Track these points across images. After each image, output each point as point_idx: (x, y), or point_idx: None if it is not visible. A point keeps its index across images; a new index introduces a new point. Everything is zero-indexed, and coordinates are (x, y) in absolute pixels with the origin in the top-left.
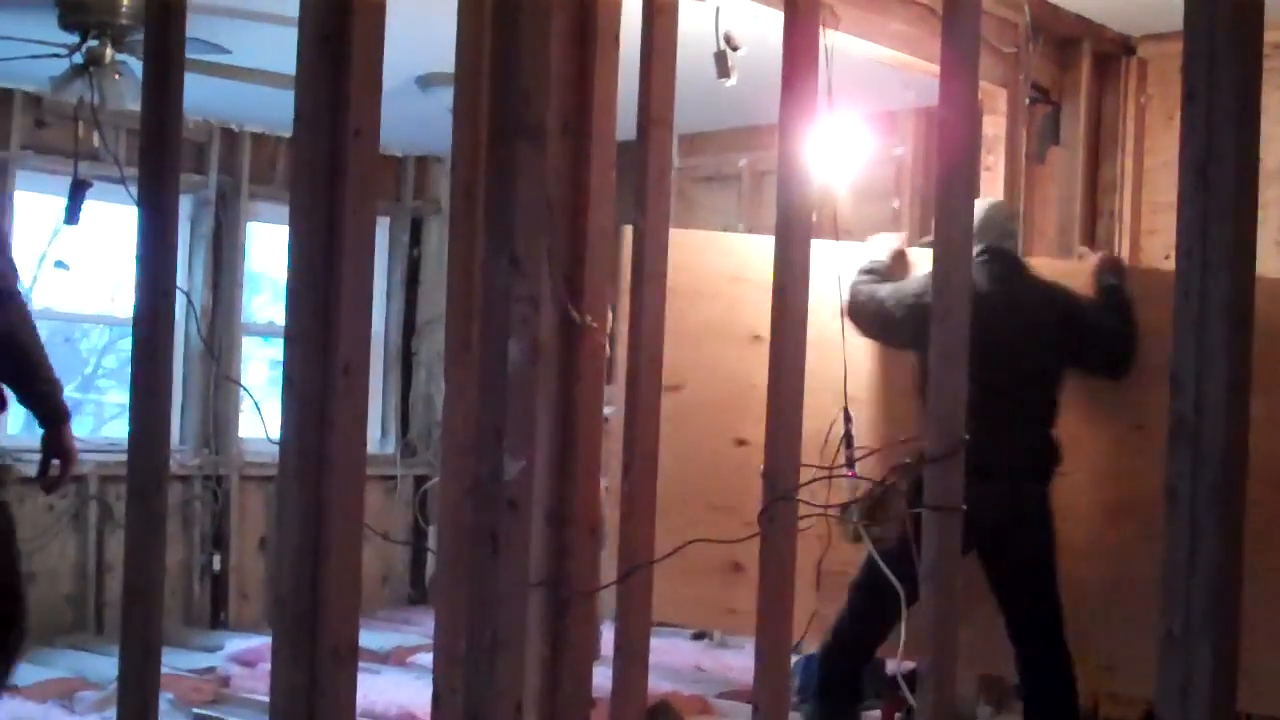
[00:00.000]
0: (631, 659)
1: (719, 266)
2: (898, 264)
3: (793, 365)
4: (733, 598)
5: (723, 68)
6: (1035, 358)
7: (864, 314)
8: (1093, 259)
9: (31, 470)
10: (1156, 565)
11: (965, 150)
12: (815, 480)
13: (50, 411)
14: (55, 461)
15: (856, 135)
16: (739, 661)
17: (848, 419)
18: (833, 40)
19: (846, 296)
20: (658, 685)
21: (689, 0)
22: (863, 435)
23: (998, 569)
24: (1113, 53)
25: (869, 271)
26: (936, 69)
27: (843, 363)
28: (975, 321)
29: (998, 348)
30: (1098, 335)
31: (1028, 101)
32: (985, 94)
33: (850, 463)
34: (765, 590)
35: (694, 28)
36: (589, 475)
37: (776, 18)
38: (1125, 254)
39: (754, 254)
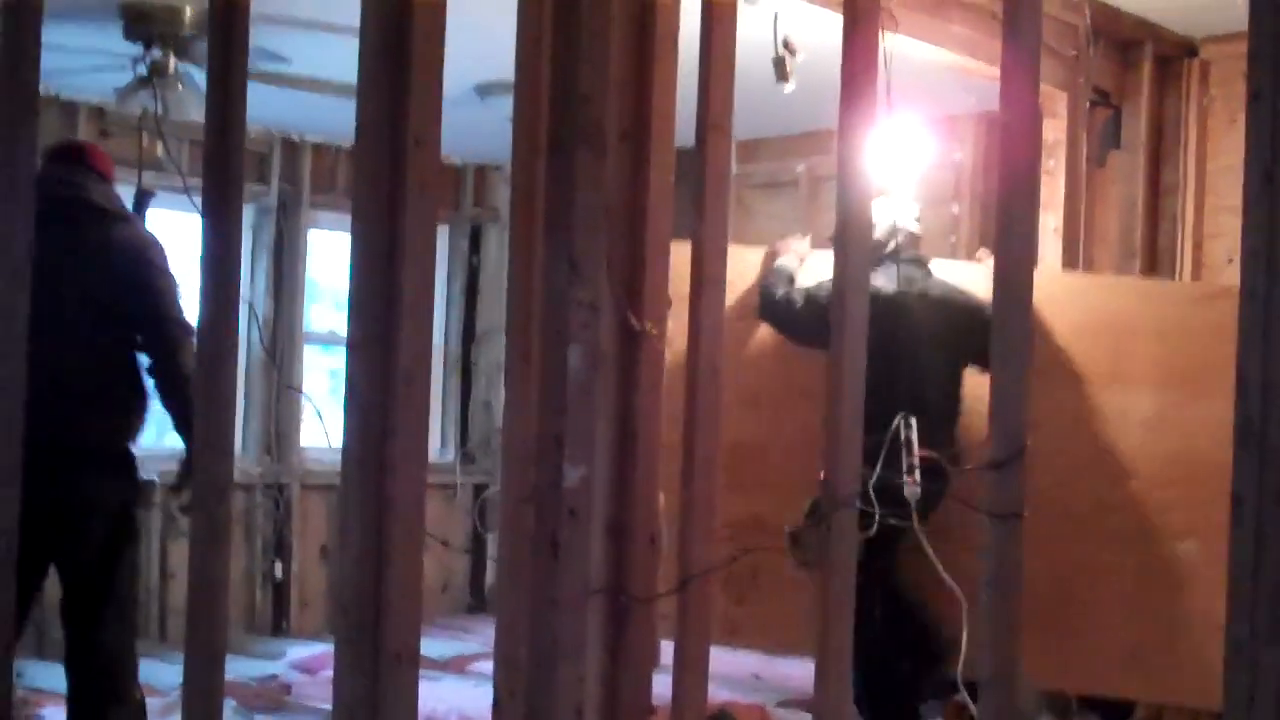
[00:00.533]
0: (690, 667)
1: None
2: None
3: (852, 372)
4: (735, 614)
5: (781, 73)
6: (941, 356)
7: (774, 314)
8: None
9: None
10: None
11: (1027, 154)
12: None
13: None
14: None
15: (916, 140)
16: (797, 670)
17: (907, 425)
18: (892, 44)
19: (758, 298)
20: (716, 693)
21: (747, 5)
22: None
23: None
24: (1174, 55)
25: (779, 273)
26: (997, 72)
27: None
28: (884, 321)
29: (905, 346)
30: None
31: (1088, 105)
32: (1046, 97)
33: (910, 469)
34: (826, 598)
35: (752, 33)
36: (648, 484)
37: (835, 22)
38: (1188, 258)
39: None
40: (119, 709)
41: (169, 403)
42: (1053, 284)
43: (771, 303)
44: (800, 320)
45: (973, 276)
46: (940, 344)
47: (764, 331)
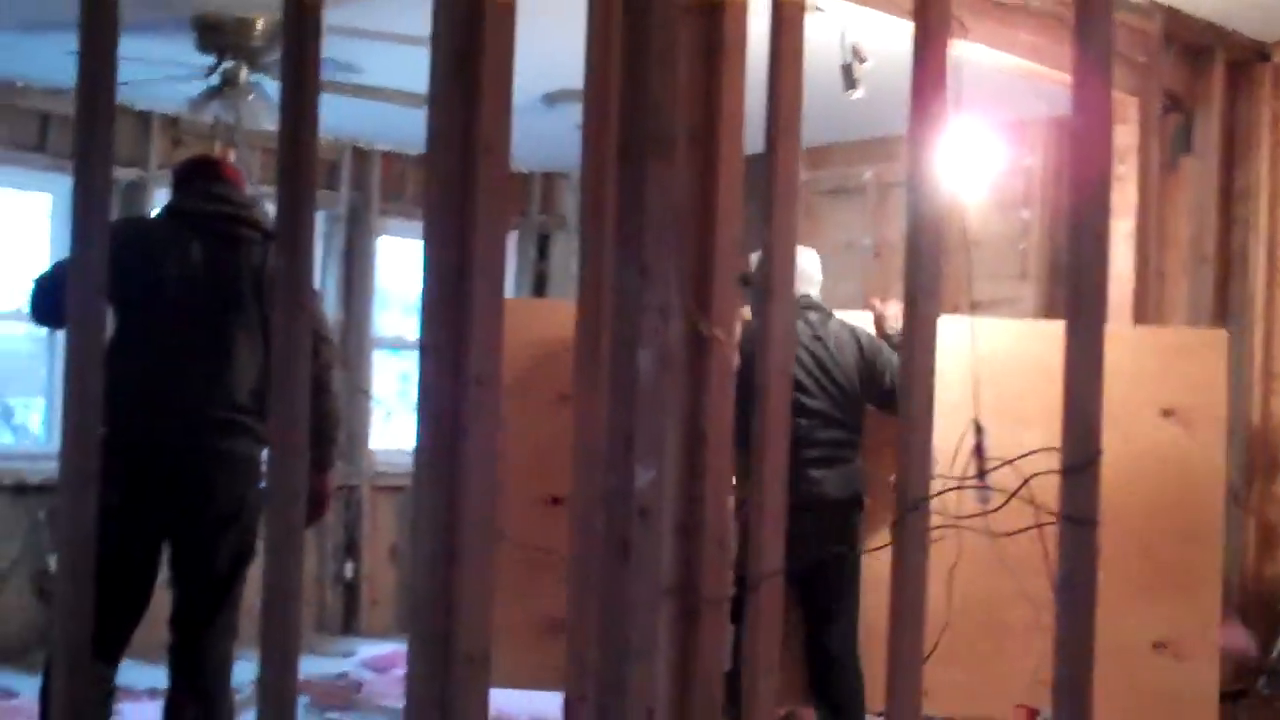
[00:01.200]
0: (761, 670)
1: (521, 331)
2: None
3: (924, 376)
4: (552, 655)
5: (850, 80)
6: (845, 397)
7: None
8: (880, 308)
9: None
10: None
11: (1099, 160)
12: (945, 491)
13: (321, 457)
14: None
15: (986, 146)
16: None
17: (979, 430)
18: (961, 50)
19: None
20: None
21: (816, 12)
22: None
23: (812, 594)
24: (1246, 59)
25: None
26: (1067, 77)
27: (966, 377)
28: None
29: (811, 390)
30: (892, 374)
31: (1160, 110)
32: (1117, 103)
33: (981, 473)
34: (897, 601)
35: (821, 39)
36: (717, 487)
37: (902, 28)
38: (1260, 262)
39: (558, 317)
40: (217, 712)
41: (316, 417)
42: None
43: None
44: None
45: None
46: (835, 382)
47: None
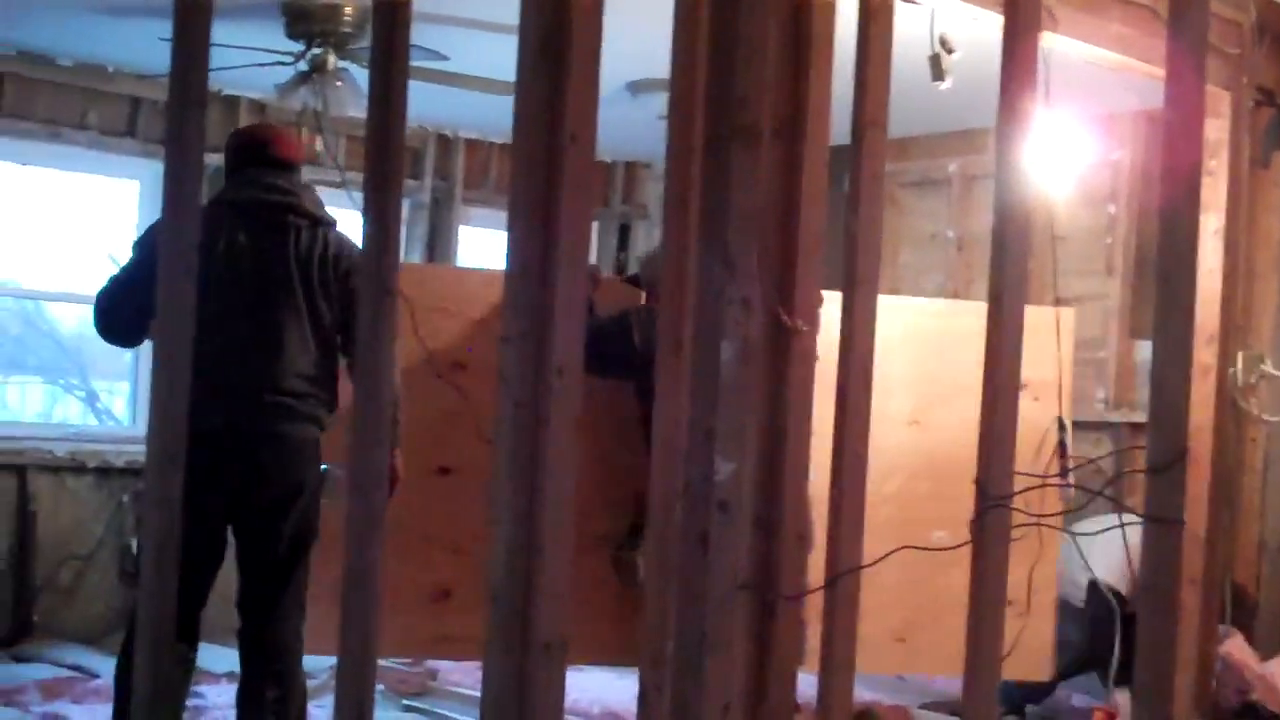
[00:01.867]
0: (838, 666)
1: (419, 298)
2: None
3: (1008, 373)
4: (440, 624)
5: (937, 71)
6: None
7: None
8: None
9: None
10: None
11: (1189, 154)
12: (1028, 489)
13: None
14: None
15: (1073, 139)
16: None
17: (1062, 428)
18: (1050, 42)
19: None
20: (859, 694)
21: (904, 3)
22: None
23: None
24: None
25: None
26: (1157, 71)
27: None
28: None
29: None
30: None
31: (1252, 104)
32: (1208, 96)
33: (1064, 472)
34: (976, 599)
35: (908, 29)
36: (797, 480)
37: (991, 20)
38: None
39: (455, 285)
40: (291, 694)
41: None
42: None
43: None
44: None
45: None
46: None
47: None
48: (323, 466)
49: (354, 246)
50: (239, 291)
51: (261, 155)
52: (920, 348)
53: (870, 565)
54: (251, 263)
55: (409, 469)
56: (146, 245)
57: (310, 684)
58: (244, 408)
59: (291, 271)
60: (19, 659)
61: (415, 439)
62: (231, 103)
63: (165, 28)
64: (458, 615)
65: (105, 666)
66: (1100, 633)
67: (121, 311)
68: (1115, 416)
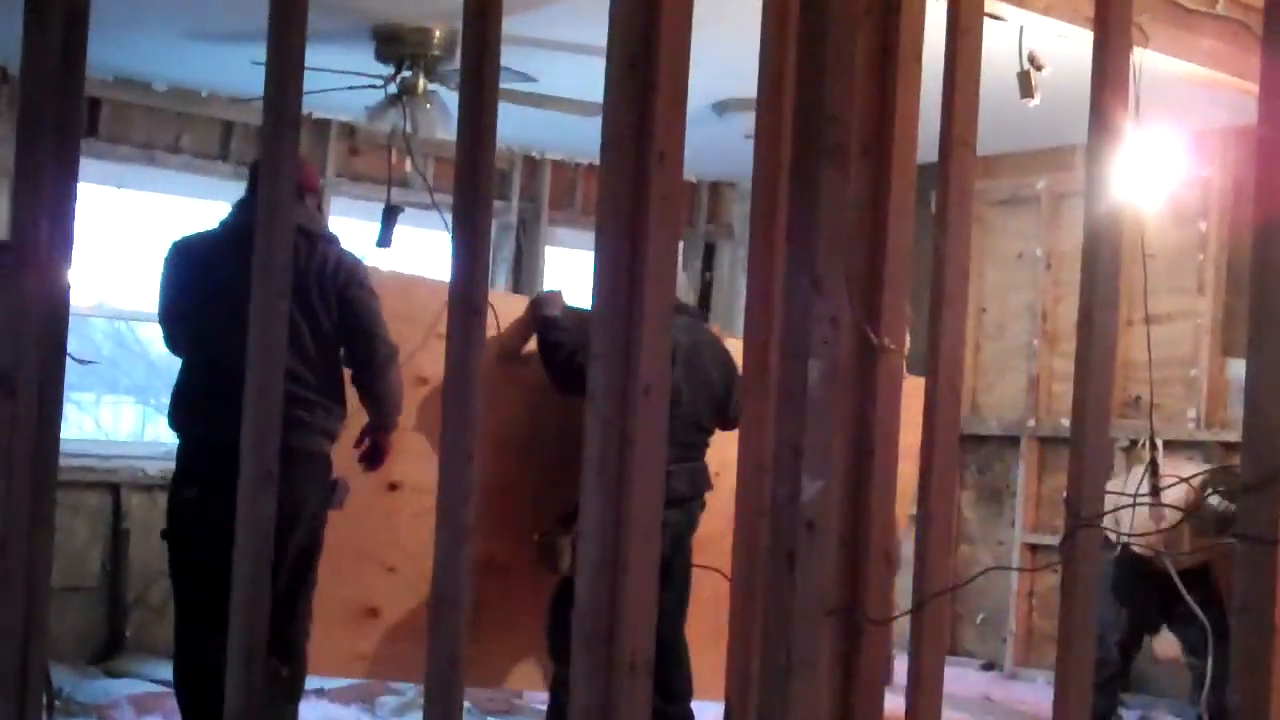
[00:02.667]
0: (925, 687)
1: (391, 308)
2: (571, 317)
3: (1100, 390)
4: (364, 642)
5: (1026, 88)
6: (717, 398)
7: (554, 364)
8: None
9: None
10: None
11: None
12: (1119, 509)
13: (382, 423)
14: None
15: (1164, 155)
16: (1029, 694)
17: (1153, 447)
18: (1140, 58)
19: (540, 349)
20: (947, 715)
21: (992, 20)
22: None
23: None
24: None
25: (555, 324)
26: (1250, 86)
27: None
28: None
29: (696, 387)
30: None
31: None
32: None
33: (1155, 490)
34: (1067, 618)
35: (996, 46)
36: (884, 500)
37: (1079, 36)
38: None
39: (422, 295)
40: (302, 673)
41: (371, 398)
42: None
43: (551, 355)
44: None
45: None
46: (719, 385)
47: (528, 374)
48: (333, 478)
49: (353, 259)
50: (237, 310)
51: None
52: None
53: (960, 587)
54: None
55: (357, 483)
56: (165, 262)
57: (395, 701)
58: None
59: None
60: (112, 674)
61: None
62: (322, 125)
63: (258, 51)
64: (384, 635)
65: None
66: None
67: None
68: (1206, 435)
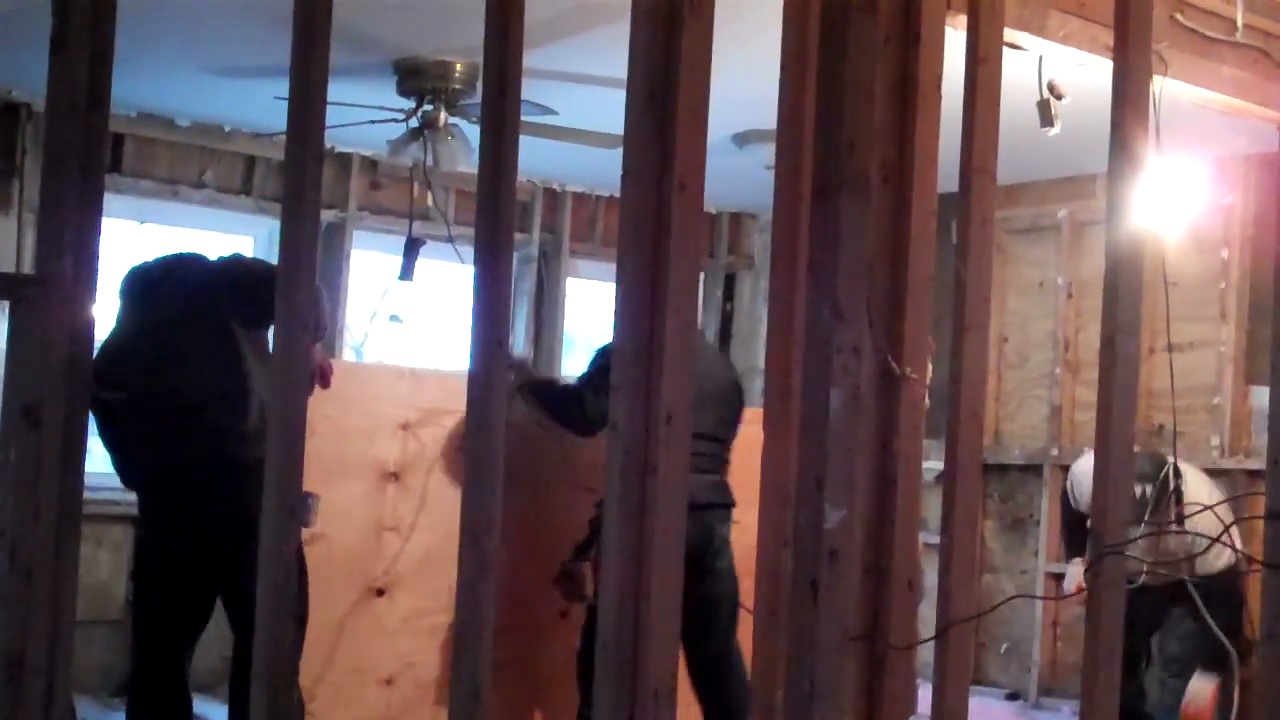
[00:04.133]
0: (950, 715)
1: (357, 398)
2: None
3: (1123, 418)
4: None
5: (1046, 116)
6: (737, 409)
7: (579, 411)
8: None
9: None
10: None
11: None
12: (1145, 536)
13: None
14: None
15: (1185, 183)
16: None
17: (1177, 475)
18: (1160, 85)
19: (553, 409)
20: None
21: (1011, 49)
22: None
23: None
24: None
25: (551, 381)
26: (1271, 113)
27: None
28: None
29: (715, 397)
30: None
31: None
32: None
33: (1180, 519)
34: (1091, 646)
35: (1015, 75)
36: (907, 528)
37: (1099, 65)
38: None
39: (388, 384)
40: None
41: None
42: None
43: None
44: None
45: None
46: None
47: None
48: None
49: (228, 258)
50: (157, 337)
51: None
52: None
53: (983, 615)
54: (163, 310)
55: (346, 591)
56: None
57: None
58: (175, 443)
59: (187, 304)
60: None
61: (350, 558)
62: (344, 160)
63: (280, 87)
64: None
65: (220, 714)
66: None
67: None
68: (1230, 463)
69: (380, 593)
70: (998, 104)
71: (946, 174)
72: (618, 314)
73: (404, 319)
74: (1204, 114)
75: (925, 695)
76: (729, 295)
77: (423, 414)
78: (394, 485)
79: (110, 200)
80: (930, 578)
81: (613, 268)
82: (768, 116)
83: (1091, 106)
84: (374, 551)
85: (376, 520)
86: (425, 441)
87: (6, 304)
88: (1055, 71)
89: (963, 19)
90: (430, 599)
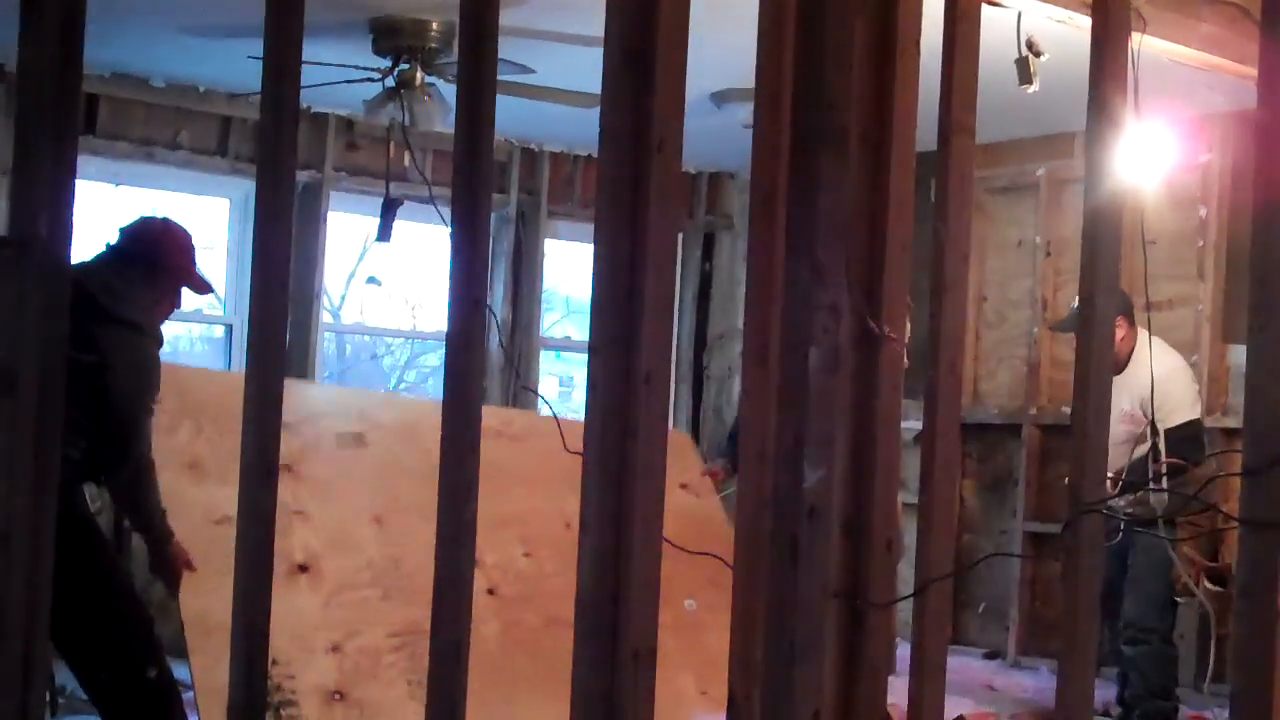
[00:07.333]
0: (928, 674)
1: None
2: None
3: (1099, 376)
4: None
5: (1024, 74)
6: None
7: None
8: None
9: None
10: None
11: None
12: (1120, 495)
13: (157, 537)
14: None
15: (1163, 141)
16: (1032, 682)
17: (1154, 433)
18: (1139, 43)
19: None
20: (950, 703)
21: (990, 5)
22: None
23: None
24: None
25: None
26: (1249, 70)
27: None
28: None
29: None
30: None
31: None
32: None
33: (1157, 476)
34: (1070, 605)
35: (994, 33)
36: (886, 487)
37: (1078, 22)
38: None
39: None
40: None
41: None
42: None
43: None
44: None
45: None
46: None
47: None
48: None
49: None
50: None
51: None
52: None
53: (962, 572)
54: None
55: None
56: None
57: None
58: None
59: None
60: None
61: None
62: (320, 120)
63: (255, 46)
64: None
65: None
66: None
67: None
68: (1209, 421)
69: (304, 569)
70: (977, 62)
71: (926, 133)
72: (596, 275)
73: (382, 280)
74: (1183, 71)
75: (905, 655)
76: (708, 256)
77: (300, 419)
78: (288, 475)
79: (85, 162)
80: (909, 537)
81: (591, 228)
82: (746, 75)
83: (1070, 64)
84: (286, 530)
85: (281, 505)
86: (307, 437)
87: None
88: (1034, 28)
89: None
90: (352, 575)
